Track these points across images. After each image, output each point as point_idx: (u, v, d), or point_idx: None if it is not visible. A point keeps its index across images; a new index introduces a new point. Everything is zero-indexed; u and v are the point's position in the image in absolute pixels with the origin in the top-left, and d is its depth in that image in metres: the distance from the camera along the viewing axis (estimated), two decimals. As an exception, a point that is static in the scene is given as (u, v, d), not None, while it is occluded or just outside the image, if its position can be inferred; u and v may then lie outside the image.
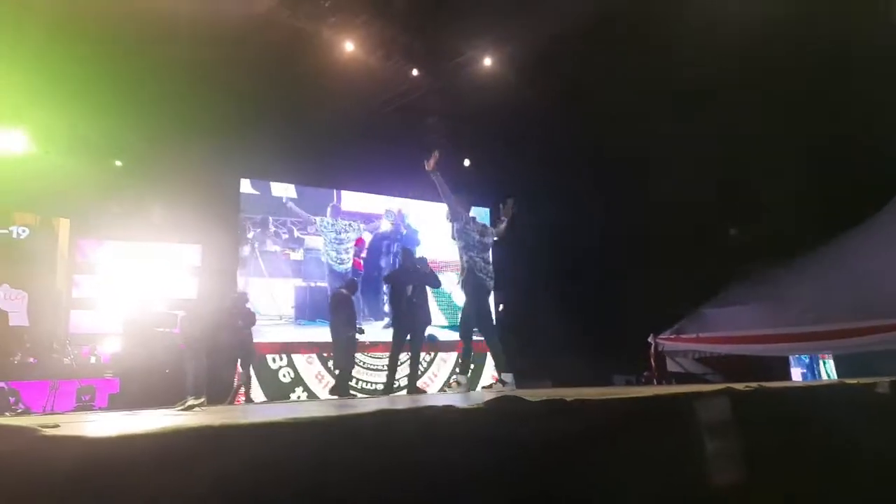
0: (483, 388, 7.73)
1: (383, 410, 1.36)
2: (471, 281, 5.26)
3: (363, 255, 11.34)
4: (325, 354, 9.93)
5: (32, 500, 1.01)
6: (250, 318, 7.45)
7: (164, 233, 9.45)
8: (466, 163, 11.34)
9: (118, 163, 9.15)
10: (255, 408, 5.03)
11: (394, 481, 1.28)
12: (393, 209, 11.72)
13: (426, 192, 11.00)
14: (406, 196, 11.58)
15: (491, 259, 5.49)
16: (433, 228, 11.25)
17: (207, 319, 5.28)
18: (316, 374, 10.20)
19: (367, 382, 10.47)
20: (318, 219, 10.89)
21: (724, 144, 9.59)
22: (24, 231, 8.78)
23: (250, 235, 10.23)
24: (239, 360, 7.34)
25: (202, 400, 4.30)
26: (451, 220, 5.26)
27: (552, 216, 10.61)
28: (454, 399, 2.54)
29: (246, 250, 10.18)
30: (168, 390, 7.42)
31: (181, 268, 9.69)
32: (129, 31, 7.59)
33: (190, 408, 3.68)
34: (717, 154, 9.65)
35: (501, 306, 11.15)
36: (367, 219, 11.51)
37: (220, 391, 7.45)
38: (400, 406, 1.43)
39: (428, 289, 7.35)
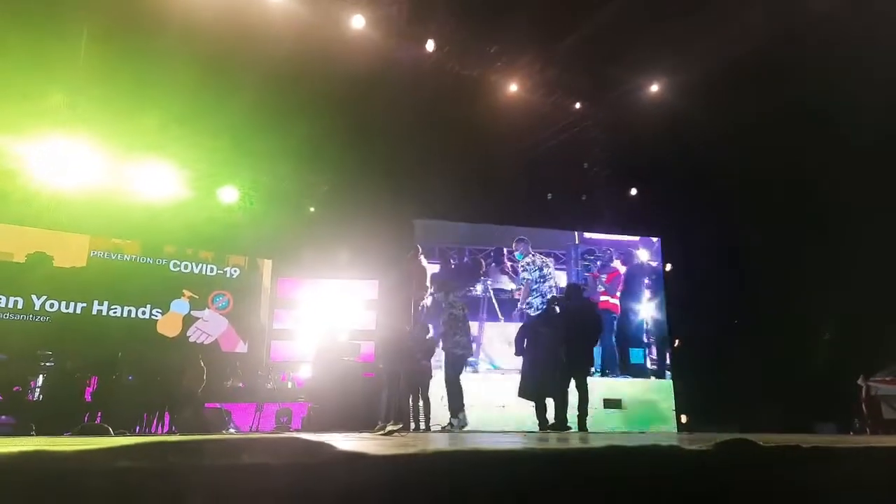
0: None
1: (615, 447, 1.38)
2: None
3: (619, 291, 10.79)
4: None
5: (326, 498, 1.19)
6: (430, 350, 7.76)
7: (348, 270, 10.33)
8: (633, 192, 11.01)
9: (311, 209, 10.25)
10: (459, 437, 5.18)
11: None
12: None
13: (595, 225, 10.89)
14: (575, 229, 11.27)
15: None
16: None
17: (395, 350, 5.61)
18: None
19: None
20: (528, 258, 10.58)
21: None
22: (236, 271, 10.14)
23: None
24: (420, 390, 7.68)
25: (400, 426, 4.55)
26: None
27: (737, 249, 9.83)
28: (677, 440, 2.42)
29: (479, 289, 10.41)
30: (352, 415, 8.02)
31: (361, 302, 10.49)
32: (315, 94, 8.55)
33: (389, 433, 3.93)
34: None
35: (677, 342, 10.51)
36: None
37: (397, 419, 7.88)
38: (628, 444, 1.44)
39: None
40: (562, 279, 10.73)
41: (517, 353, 7.07)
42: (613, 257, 10.83)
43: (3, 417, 6.70)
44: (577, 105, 9.94)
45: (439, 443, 2.17)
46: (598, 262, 10.77)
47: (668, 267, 10.93)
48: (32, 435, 6.31)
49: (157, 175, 9.16)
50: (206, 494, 1.15)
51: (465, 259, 10.49)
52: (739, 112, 8.74)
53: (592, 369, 7.20)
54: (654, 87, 9.36)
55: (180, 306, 9.67)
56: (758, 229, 9.64)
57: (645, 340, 10.72)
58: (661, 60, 8.68)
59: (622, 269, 10.82)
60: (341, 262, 10.07)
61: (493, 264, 10.52)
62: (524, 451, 1.38)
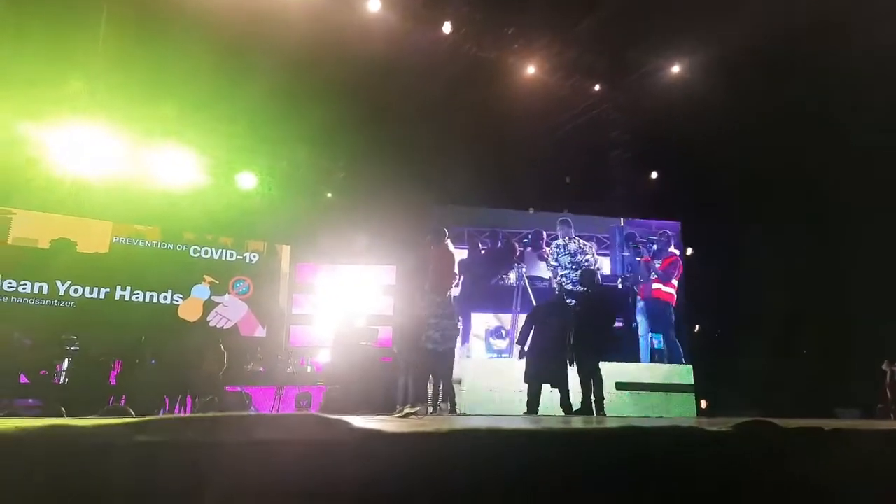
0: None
1: (633, 427, 1.37)
2: None
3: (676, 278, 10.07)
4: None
5: (343, 483, 1.19)
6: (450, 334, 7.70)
7: (365, 255, 10.36)
8: (654, 175, 10.86)
9: (329, 195, 10.28)
10: (476, 418, 5.19)
11: (648, 495, 1.28)
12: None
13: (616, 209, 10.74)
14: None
15: None
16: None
17: (411, 336, 5.63)
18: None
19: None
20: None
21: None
22: (255, 256, 10.23)
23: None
24: (439, 374, 7.66)
25: (418, 409, 4.58)
26: None
27: (759, 231, 9.66)
28: (696, 421, 2.40)
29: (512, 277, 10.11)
30: (370, 400, 8.09)
31: (378, 287, 10.53)
32: (332, 78, 8.54)
33: (407, 416, 3.95)
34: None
35: (697, 327, 10.41)
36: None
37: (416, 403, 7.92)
38: (647, 425, 1.42)
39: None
40: (605, 265, 10.23)
41: (518, 342, 7.04)
42: (672, 242, 10.13)
43: (31, 400, 6.86)
44: (597, 87, 9.79)
45: (456, 423, 2.17)
46: (654, 247, 10.12)
47: (689, 251, 10.80)
48: (61, 416, 6.46)
49: (177, 161, 9.25)
50: (221, 469, 1.17)
51: (499, 244, 10.11)
52: (763, 91, 8.56)
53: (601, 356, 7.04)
54: (675, 69, 9.18)
55: (201, 291, 9.79)
56: (781, 210, 9.48)
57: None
58: (682, 41, 8.51)
59: (676, 254, 10.12)
60: (359, 248, 10.11)
61: (530, 249, 10.14)
62: (541, 430, 1.37)
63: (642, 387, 9.26)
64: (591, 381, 6.53)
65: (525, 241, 10.14)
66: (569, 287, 8.99)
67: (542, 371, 6.71)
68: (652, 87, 9.52)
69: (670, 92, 9.41)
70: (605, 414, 6.50)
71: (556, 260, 10.06)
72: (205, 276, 9.82)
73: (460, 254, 9.03)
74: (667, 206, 10.67)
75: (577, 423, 2.18)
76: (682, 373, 9.83)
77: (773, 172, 9.21)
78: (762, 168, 9.19)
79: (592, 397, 6.49)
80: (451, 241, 7.72)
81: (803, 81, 8.17)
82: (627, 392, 9.72)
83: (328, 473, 1.24)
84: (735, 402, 8.95)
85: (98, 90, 8.10)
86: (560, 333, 6.72)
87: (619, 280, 10.30)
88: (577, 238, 10.37)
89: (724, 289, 9.89)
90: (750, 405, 8.72)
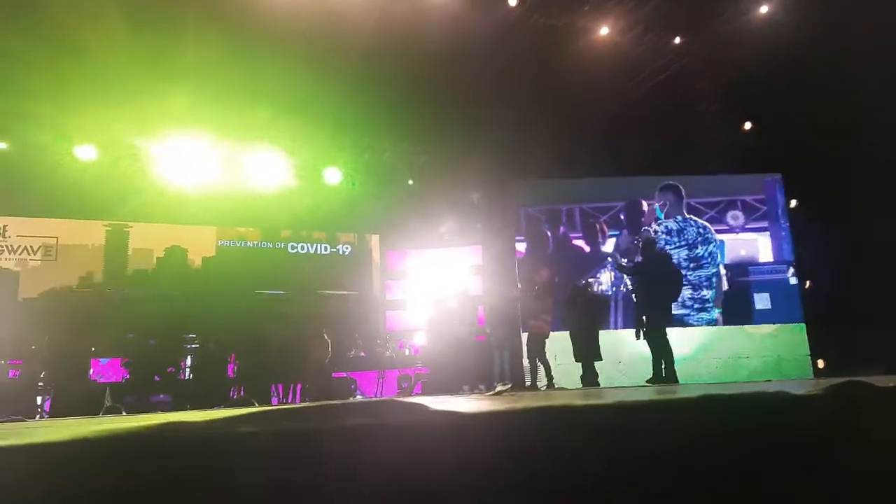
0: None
1: (710, 396, 1.34)
2: None
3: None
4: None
5: (422, 456, 1.26)
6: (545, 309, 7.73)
7: (450, 238, 10.50)
8: (747, 126, 10.14)
9: (410, 182, 10.48)
10: (555, 394, 5.25)
11: (731, 463, 1.25)
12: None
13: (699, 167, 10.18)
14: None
15: None
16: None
17: (503, 315, 5.69)
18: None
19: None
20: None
21: None
22: (347, 248, 10.66)
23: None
24: (535, 350, 7.70)
25: (509, 385, 4.66)
26: None
27: (866, 175, 8.79)
28: (784, 385, 2.29)
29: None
30: (467, 378, 8.27)
31: (466, 267, 10.66)
32: (404, 66, 8.60)
33: (498, 393, 4.03)
34: None
35: (808, 283, 9.70)
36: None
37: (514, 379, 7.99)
38: (724, 392, 1.38)
39: None
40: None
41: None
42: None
43: (162, 396, 7.59)
44: (677, 40, 9.25)
45: (534, 401, 2.19)
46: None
47: (794, 203, 10.05)
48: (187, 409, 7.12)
49: (268, 164, 9.74)
50: (313, 454, 1.26)
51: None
52: (861, 23, 7.73)
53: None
54: (763, 9, 8.48)
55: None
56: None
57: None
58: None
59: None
60: (443, 231, 10.26)
61: (626, 232, 9.94)
62: (612, 405, 1.38)
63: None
64: (652, 352, 6.55)
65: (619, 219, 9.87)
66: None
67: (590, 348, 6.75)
68: (738, 32, 8.84)
69: (759, 33, 8.69)
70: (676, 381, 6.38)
71: (650, 249, 9.76)
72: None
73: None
74: (765, 158, 9.97)
75: (655, 394, 2.13)
76: (795, 333, 9.31)
77: (882, 102, 8.33)
78: (866, 99, 8.34)
79: (663, 366, 6.46)
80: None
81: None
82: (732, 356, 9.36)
83: (409, 453, 1.29)
84: (856, 361, 8.25)
85: (197, 103, 8.67)
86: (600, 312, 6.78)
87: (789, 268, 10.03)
88: (692, 218, 9.98)
89: (832, 239, 9.13)
90: (873, 363, 8.02)
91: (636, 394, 2.34)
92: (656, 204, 10.26)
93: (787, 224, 10.20)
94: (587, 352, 7.20)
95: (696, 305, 9.79)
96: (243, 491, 1.17)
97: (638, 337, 6.61)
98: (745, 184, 10.43)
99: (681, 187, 10.36)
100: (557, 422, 1.43)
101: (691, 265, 9.82)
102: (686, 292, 9.17)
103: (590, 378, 7.19)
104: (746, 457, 1.28)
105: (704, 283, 9.80)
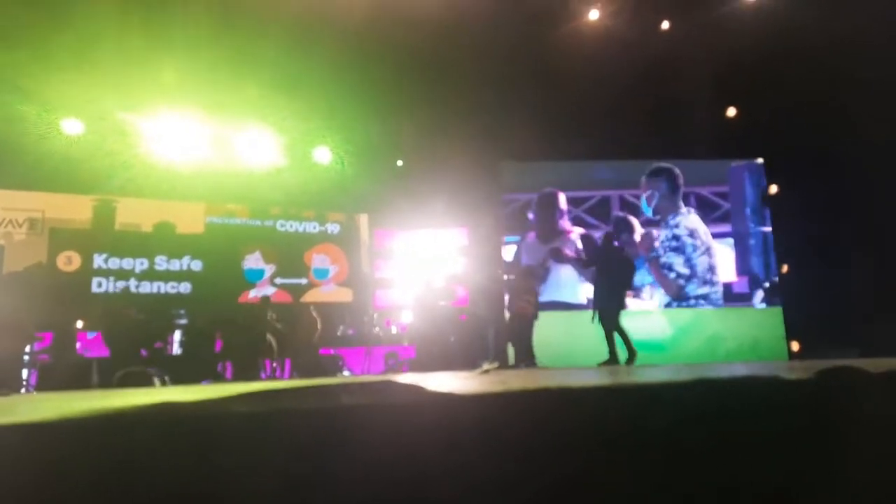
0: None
1: (704, 380, 1.44)
2: None
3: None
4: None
5: (418, 436, 1.32)
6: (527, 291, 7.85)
7: (437, 218, 10.58)
8: (731, 112, 10.30)
9: (399, 162, 10.51)
10: (549, 373, 5.35)
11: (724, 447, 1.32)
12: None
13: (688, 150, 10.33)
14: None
15: None
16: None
17: (488, 295, 5.80)
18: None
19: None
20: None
21: None
22: (336, 227, 10.69)
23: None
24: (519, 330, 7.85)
25: (496, 364, 4.79)
26: None
27: (846, 160, 9.02)
28: (775, 369, 2.37)
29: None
30: (451, 356, 8.43)
31: (452, 248, 10.78)
32: (393, 46, 8.56)
33: (486, 372, 4.15)
34: None
35: (786, 267, 9.98)
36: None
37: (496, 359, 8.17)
38: (721, 375, 1.49)
39: None
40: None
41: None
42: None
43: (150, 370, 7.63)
44: (665, 24, 9.33)
45: (528, 380, 2.27)
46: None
47: (774, 189, 10.28)
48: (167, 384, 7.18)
49: (258, 142, 9.68)
50: (309, 433, 1.27)
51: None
52: (855, 11, 7.86)
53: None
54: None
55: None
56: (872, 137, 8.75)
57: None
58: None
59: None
60: (431, 212, 10.33)
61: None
62: (605, 387, 1.47)
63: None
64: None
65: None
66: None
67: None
68: (725, 17, 8.94)
69: (746, 18, 8.80)
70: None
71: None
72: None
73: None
74: (748, 142, 10.16)
75: (649, 376, 2.23)
76: (771, 315, 9.56)
77: (866, 92, 8.50)
78: (853, 88, 8.51)
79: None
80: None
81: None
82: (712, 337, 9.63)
83: (404, 433, 1.31)
84: (836, 341, 8.54)
85: (186, 78, 8.56)
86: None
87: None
88: (691, 209, 10.07)
89: (812, 223, 9.38)
90: (847, 345, 8.31)
91: (629, 377, 2.45)
92: (642, 195, 10.32)
93: (756, 225, 10.25)
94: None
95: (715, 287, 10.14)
96: (239, 471, 1.15)
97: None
98: (705, 172, 10.34)
99: (676, 172, 10.33)
100: (552, 403, 1.45)
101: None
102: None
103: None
104: (742, 441, 1.32)
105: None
